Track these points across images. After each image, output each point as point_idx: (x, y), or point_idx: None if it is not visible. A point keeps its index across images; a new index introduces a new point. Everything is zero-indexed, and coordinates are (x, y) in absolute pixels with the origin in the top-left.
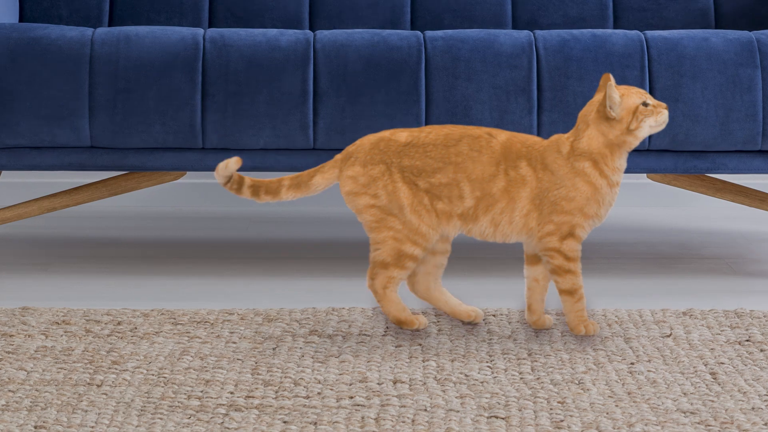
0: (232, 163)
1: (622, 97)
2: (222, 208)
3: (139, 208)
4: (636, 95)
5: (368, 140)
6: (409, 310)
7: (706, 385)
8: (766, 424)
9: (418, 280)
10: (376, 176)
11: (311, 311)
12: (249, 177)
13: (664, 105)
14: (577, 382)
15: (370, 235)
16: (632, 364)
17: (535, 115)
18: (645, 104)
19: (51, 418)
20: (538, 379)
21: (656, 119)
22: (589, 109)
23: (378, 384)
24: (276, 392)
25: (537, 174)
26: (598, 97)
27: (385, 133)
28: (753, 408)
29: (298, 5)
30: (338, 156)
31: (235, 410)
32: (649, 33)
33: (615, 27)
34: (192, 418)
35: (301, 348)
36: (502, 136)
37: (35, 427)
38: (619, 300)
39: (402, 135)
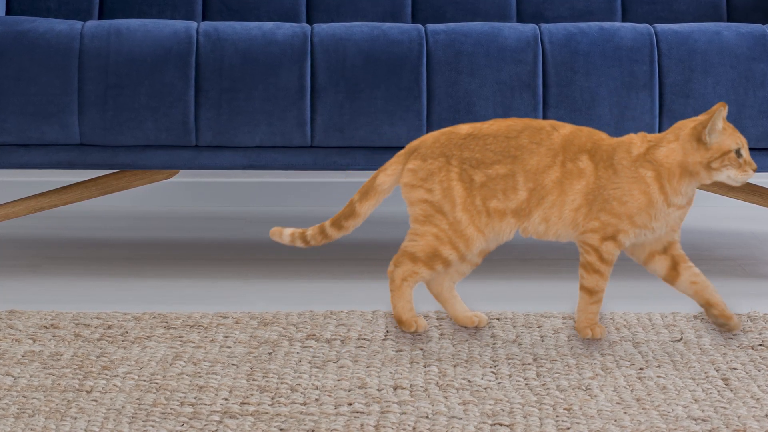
0: (286, 236)
1: (724, 131)
2: (216, 207)
3: (130, 208)
4: (736, 139)
5: (431, 135)
6: (414, 312)
7: (718, 391)
8: None
9: (436, 277)
10: (434, 170)
11: (308, 314)
12: (324, 223)
13: (754, 166)
14: (584, 388)
15: (413, 225)
16: (641, 369)
17: (541, 111)
18: (738, 153)
19: (39, 425)
20: (543, 385)
21: (738, 174)
22: (687, 124)
23: (378, 390)
24: (272, 399)
25: (598, 170)
26: (703, 117)
27: (448, 128)
28: (766, 415)
29: None
30: (401, 152)
31: (230, 417)
32: (659, 26)
33: (623, 20)
34: (185, 425)
35: (298, 353)
36: (565, 129)
37: None
38: (628, 303)
39: (464, 127)
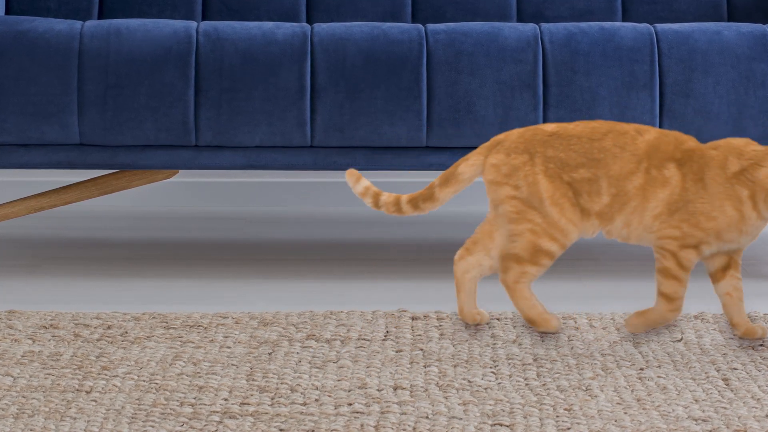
0: (361, 186)
1: None
2: (216, 207)
3: (130, 208)
4: None
5: (516, 131)
6: (542, 309)
7: (719, 391)
8: None
9: (467, 260)
10: (518, 166)
11: (308, 315)
12: (401, 196)
13: None
14: (584, 388)
15: (509, 226)
16: (641, 369)
17: (541, 111)
18: None
19: (38, 425)
20: (543, 385)
21: None
22: None
23: (378, 390)
24: (272, 399)
25: (685, 181)
26: None
27: (533, 126)
28: (767, 415)
29: None
30: (485, 144)
31: (230, 417)
32: (660, 26)
33: (624, 20)
34: (185, 425)
35: (298, 353)
36: (650, 134)
37: None
38: (629, 303)
39: (549, 126)
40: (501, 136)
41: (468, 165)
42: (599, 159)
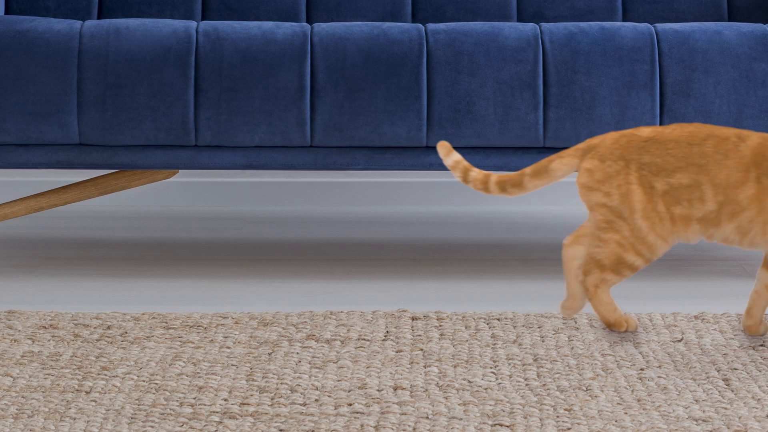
0: (451, 159)
1: None
2: (216, 207)
3: (129, 208)
4: None
5: (611, 135)
6: (620, 312)
7: (719, 391)
8: None
9: (578, 250)
10: (612, 174)
11: (308, 315)
12: (490, 175)
13: None
14: (584, 388)
15: (596, 230)
16: (642, 370)
17: (541, 111)
18: None
19: (38, 425)
20: (544, 385)
21: None
22: None
23: (378, 391)
24: (272, 399)
25: None
26: None
27: (629, 130)
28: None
29: None
30: (580, 145)
31: (230, 418)
32: (660, 26)
33: (624, 20)
34: (184, 426)
35: (297, 353)
36: (753, 139)
37: None
38: (629, 303)
39: (645, 131)
40: (596, 140)
41: (562, 163)
42: (700, 165)
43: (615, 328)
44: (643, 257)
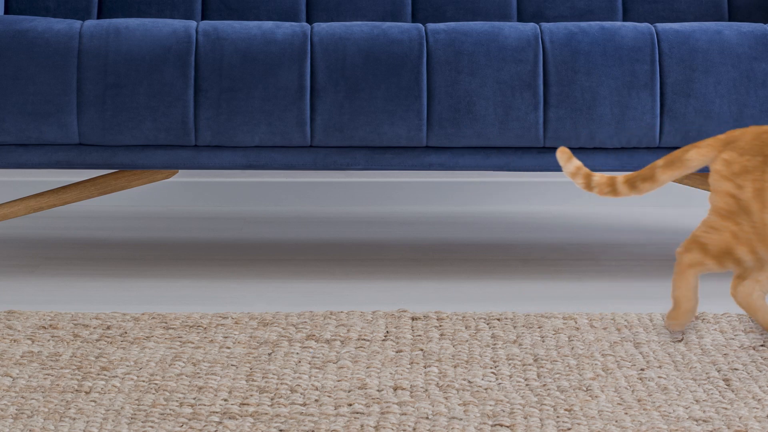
0: (572, 165)
1: None
2: (215, 208)
3: (129, 208)
4: None
5: (752, 129)
6: (692, 304)
7: (720, 391)
8: None
9: (744, 284)
10: (750, 168)
11: (308, 315)
12: (616, 176)
13: None
14: (584, 389)
15: (712, 215)
16: (642, 370)
17: (541, 111)
18: None
19: (38, 426)
20: (544, 385)
21: None
22: None
23: (378, 391)
24: (271, 399)
25: None
26: None
27: None
28: None
29: None
30: (720, 136)
31: (229, 418)
32: (660, 26)
33: (624, 19)
34: (184, 426)
35: (297, 353)
36: None
37: None
38: (629, 303)
39: None
40: (737, 133)
41: (698, 153)
42: None
43: (676, 311)
44: (755, 255)
